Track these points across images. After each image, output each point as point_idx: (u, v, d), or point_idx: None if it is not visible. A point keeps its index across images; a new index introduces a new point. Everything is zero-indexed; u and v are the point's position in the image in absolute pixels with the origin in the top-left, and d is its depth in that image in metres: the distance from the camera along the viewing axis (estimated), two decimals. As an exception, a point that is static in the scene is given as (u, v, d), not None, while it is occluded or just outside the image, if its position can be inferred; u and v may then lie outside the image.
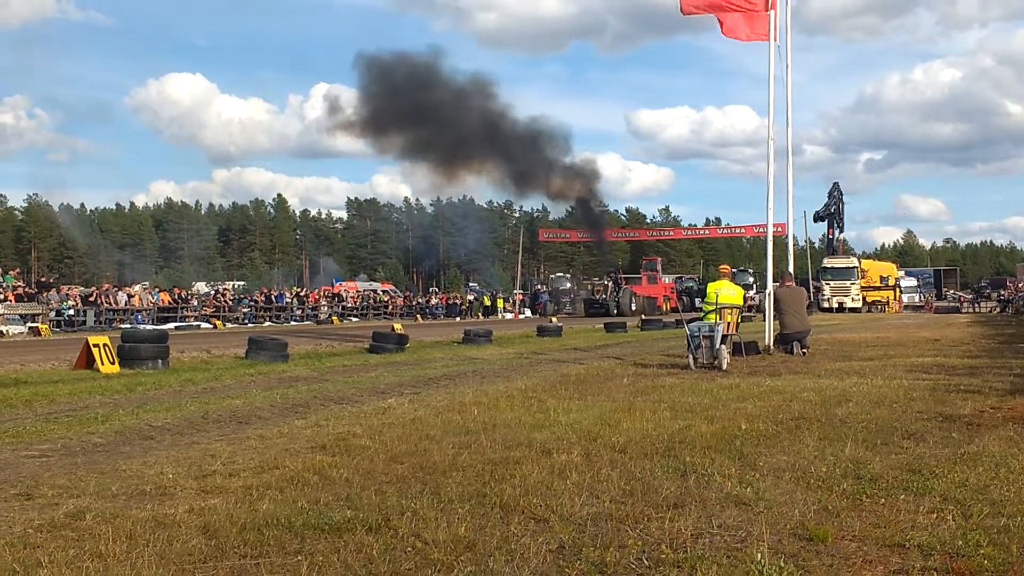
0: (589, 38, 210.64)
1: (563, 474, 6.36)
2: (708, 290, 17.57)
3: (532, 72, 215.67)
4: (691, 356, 15.54)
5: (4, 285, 35.67)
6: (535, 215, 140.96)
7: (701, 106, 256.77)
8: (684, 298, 65.25)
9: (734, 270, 56.91)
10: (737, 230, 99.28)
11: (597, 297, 63.96)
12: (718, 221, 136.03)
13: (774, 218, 20.32)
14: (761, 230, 59.65)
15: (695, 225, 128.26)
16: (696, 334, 15.56)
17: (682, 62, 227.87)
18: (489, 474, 6.38)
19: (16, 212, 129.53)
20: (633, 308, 61.20)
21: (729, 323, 16.34)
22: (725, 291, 16.99)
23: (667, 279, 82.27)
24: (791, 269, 21.68)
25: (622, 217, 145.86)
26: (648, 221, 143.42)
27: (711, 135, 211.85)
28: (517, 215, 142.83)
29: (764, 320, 20.24)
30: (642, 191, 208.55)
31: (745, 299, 21.00)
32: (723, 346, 15.42)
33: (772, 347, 18.90)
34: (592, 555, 4.54)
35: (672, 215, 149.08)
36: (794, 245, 22.64)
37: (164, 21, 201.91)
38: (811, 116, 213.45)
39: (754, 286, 63.54)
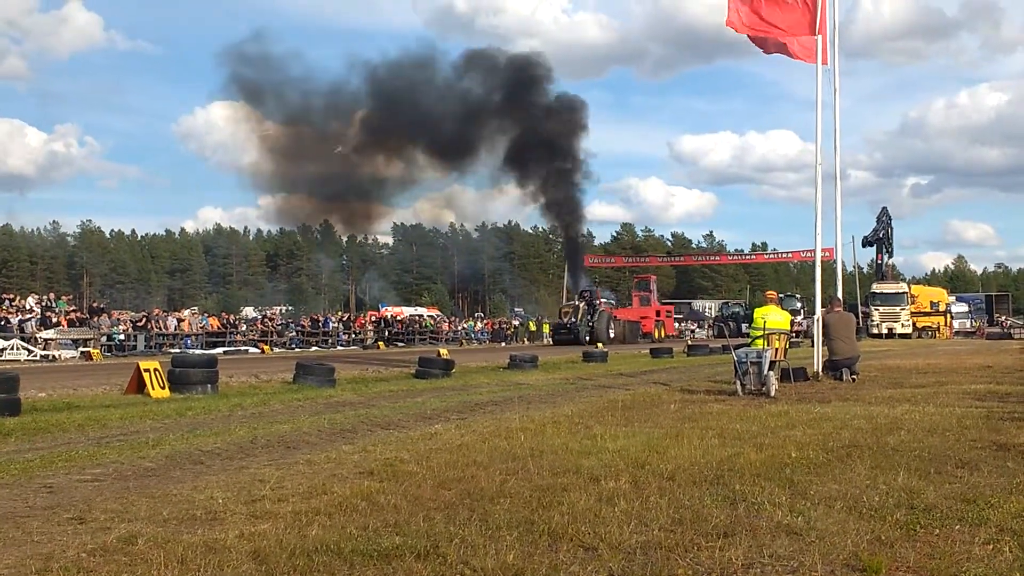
0: (629, 64, 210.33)
1: (611, 502, 6.32)
2: (755, 315, 17.45)
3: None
4: (738, 382, 15.41)
5: (57, 310, 36.27)
6: (580, 240, 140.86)
7: (743, 131, 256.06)
8: (730, 324, 61.88)
9: (781, 295, 56.29)
10: (784, 255, 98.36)
11: (565, 321, 53.94)
12: (764, 246, 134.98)
13: (822, 243, 20.14)
14: (808, 255, 59.11)
15: (741, 251, 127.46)
16: (743, 360, 15.44)
17: (723, 87, 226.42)
18: (537, 501, 6.37)
19: (69, 238, 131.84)
20: (612, 335, 53.59)
21: (777, 349, 16.21)
22: (772, 316, 16.86)
23: (712, 305, 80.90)
24: (839, 294, 21.47)
25: (667, 243, 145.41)
26: (693, 246, 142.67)
27: (753, 160, 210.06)
28: (563, 240, 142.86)
29: (812, 346, 20.03)
30: (685, 216, 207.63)
31: (792, 324, 20.84)
32: (771, 372, 15.29)
33: (821, 373, 18.70)
34: (642, 584, 4.51)
35: (717, 240, 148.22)
36: (842, 270, 22.43)
37: (210, 50, 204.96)
38: (855, 140, 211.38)
39: (802, 311, 62.98)
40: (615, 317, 56.63)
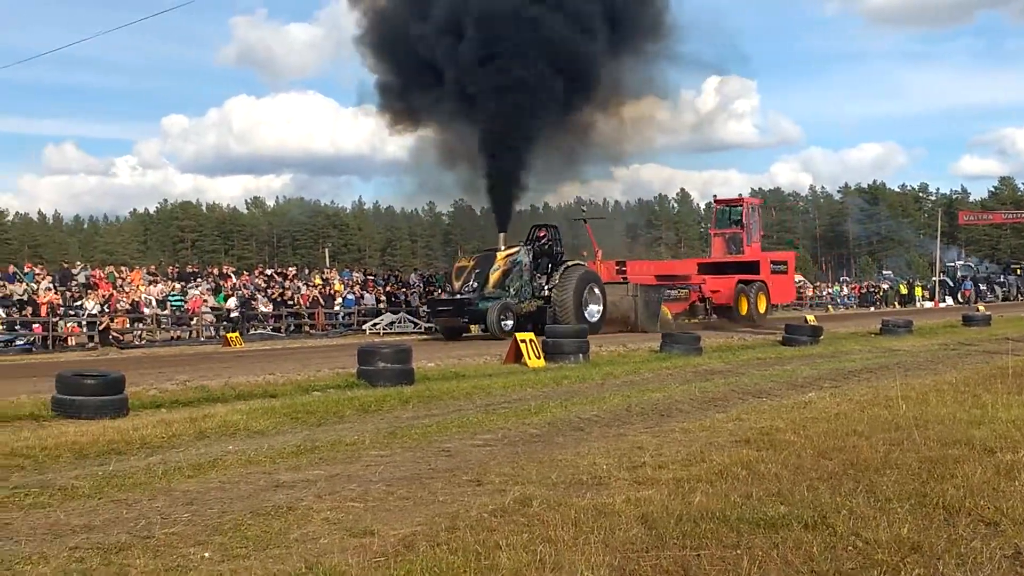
0: (996, 7, 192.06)
1: (1011, 475, 5.96)
2: None
3: (939, 48, 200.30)
4: None
5: (436, 285, 38.86)
6: (953, 197, 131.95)
7: None
8: None
9: None
10: None
11: (458, 288, 26.24)
12: None
13: None
14: None
15: None
16: None
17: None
18: (927, 473, 6.11)
19: (443, 217, 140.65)
20: (590, 315, 25.96)
21: None
22: None
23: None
24: None
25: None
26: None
27: None
28: (933, 198, 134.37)
29: None
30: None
31: None
32: None
33: None
34: (1054, 564, 4.24)
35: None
36: None
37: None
38: None
39: None
40: (603, 282, 27.76)
